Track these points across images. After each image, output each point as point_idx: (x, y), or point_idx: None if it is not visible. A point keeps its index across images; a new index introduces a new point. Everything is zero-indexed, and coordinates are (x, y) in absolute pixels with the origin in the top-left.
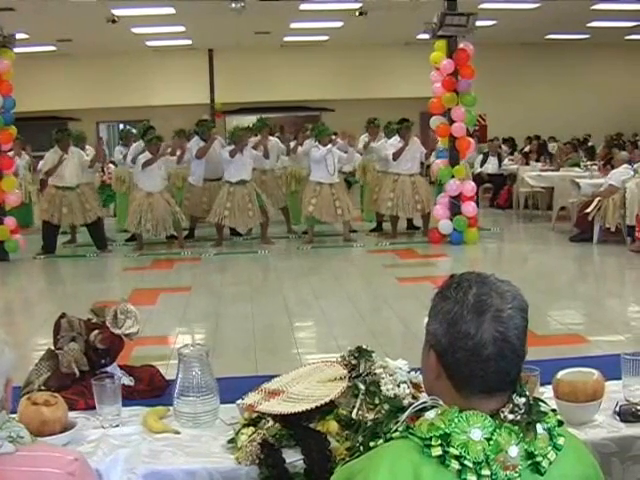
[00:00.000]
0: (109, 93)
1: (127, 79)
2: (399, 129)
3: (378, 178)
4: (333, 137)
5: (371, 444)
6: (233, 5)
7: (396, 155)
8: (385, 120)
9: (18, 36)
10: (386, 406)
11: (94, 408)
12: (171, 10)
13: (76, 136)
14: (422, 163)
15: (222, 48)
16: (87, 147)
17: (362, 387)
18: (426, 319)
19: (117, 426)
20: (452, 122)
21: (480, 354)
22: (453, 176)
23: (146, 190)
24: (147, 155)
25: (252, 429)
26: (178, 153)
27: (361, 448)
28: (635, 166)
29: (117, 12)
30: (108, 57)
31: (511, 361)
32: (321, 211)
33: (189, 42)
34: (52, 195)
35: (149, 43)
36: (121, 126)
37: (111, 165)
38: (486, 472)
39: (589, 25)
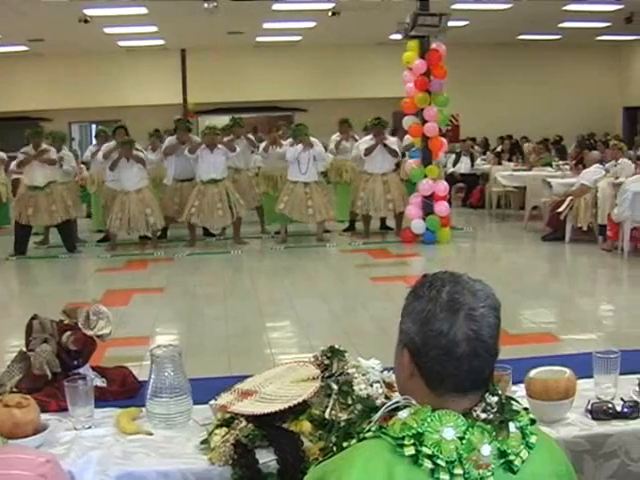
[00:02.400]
0: (81, 93)
1: (99, 79)
2: (371, 126)
3: (357, 177)
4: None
5: (344, 444)
6: (206, 5)
7: (368, 151)
8: (358, 120)
9: None
10: (359, 406)
11: (66, 410)
12: (143, 10)
13: (55, 135)
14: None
15: (195, 48)
16: (63, 147)
17: (335, 387)
18: (399, 318)
19: (90, 428)
20: (425, 122)
21: (453, 352)
22: (426, 176)
23: (121, 188)
24: (115, 155)
25: (225, 430)
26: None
27: (334, 448)
28: (607, 166)
29: (89, 12)
30: (80, 57)
31: (484, 360)
32: (292, 209)
33: (162, 42)
34: (22, 195)
35: (121, 43)
36: (93, 127)
37: (82, 166)
38: (459, 471)
39: (561, 26)
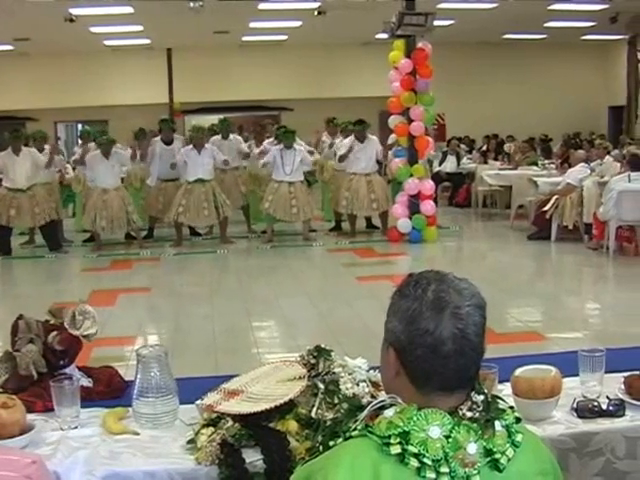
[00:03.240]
0: (67, 93)
1: (85, 78)
2: (354, 131)
3: (335, 177)
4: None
5: (330, 443)
6: (191, 4)
7: (341, 159)
8: (344, 119)
9: None
10: (345, 405)
11: (53, 410)
12: (129, 9)
13: (35, 135)
14: (380, 162)
15: (181, 47)
16: (46, 147)
17: (321, 386)
18: (386, 317)
19: (76, 428)
20: (411, 121)
21: (439, 351)
22: (412, 175)
23: (100, 187)
24: (97, 154)
25: (212, 429)
26: (139, 153)
27: (320, 448)
28: (592, 165)
29: (75, 11)
30: (66, 56)
31: (470, 358)
32: (276, 209)
33: (147, 41)
34: (3, 196)
35: (107, 42)
36: (79, 126)
37: (68, 165)
38: (445, 469)
39: (546, 25)
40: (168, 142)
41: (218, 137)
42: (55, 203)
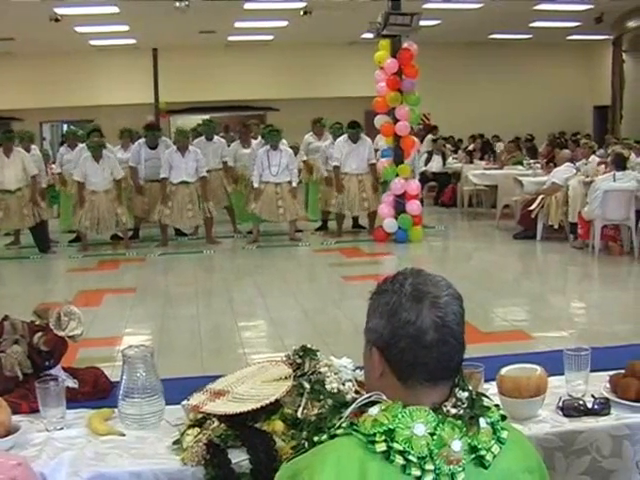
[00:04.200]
0: (53, 93)
1: (71, 78)
2: (348, 132)
3: (327, 177)
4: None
5: (315, 439)
6: (177, 4)
7: (337, 162)
8: (330, 119)
9: None
10: (329, 401)
11: (38, 411)
12: (115, 9)
13: (23, 135)
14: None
15: (166, 47)
16: (32, 147)
17: (307, 386)
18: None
19: (62, 429)
20: (396, 121)
21: (422, 340)
22: (397, 175)
23: (89, 188)
24: (89, 156)
25: (197, 430)
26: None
27: (306, 444)
28: (577, 164)
29: (60, 11)
30: (51, 56)
31: (453, 347)
32: (262, 209)
33: (133, 41)
34: None
35: (93, 42)
36: (65, 126)
37: (53, 166)
38: (430, 467)
39: (532, 25)
40: (153, 146)
41: (202, 139)
42: (43, 204)
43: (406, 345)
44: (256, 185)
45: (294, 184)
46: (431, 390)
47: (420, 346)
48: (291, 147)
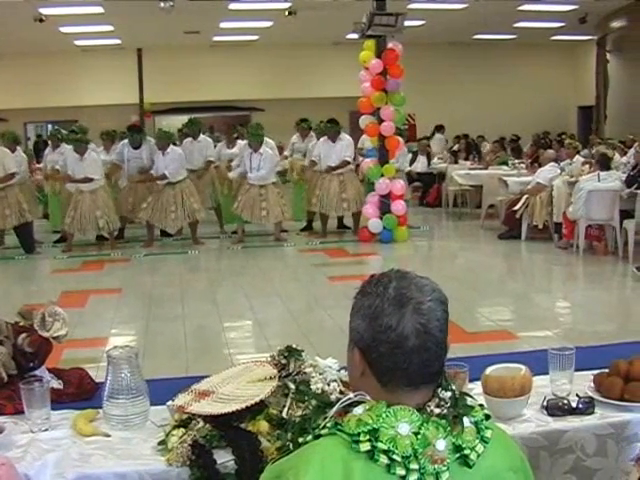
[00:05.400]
0: (37, 93)
1: (55, 79)
2: (326, 131)
3: (310, 176)
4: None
5: (300, 440)
6: (162, 4)
7: (312, 163)
8: (315, 119)
9: None
10: (314, 402)
11: (23, 412)
12: (99, 9)
13: (8, 136)
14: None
15: (151, 48)
16: (17, 148)
17: (292, 386)
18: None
19: (46, 430)
20: (381, 121)
21: (403, 346)
22: (382, 175)
23: (76, 188)
24: (74, 155)
25: (183, 430)
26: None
27: (290, 445)
28: (562, 164)
29: (45, 11)
30: (36, 56)
31: (434, 353)
32: (244, 210)
33: (118, 41)
34: None
35: (77, 42)
36: (49, 127)
37: (39, 166)
38: (414, 466)
39: (516, 25)
40: (136, 147)
41: (190, 139)
42: (28, 204)
43: (386, 350)
44: (231, 175)
45: (270, 180)
46: (412, 394)
47: (400, 352)
48: (277, 146)
